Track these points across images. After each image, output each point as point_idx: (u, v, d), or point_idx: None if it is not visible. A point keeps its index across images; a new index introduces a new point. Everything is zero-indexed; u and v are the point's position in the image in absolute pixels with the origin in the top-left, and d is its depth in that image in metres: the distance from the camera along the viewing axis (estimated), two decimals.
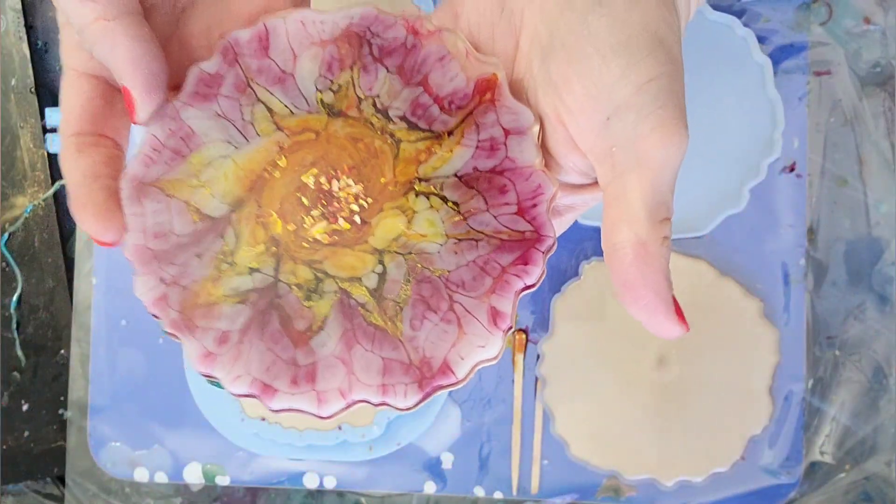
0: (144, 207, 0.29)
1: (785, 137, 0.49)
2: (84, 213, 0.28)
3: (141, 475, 0.52)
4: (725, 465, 0.49)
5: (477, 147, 0.29)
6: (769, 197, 0.50)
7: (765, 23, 0.50)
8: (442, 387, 0.27)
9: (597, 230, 0.50)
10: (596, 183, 0.29)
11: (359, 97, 0.29)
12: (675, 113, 0.26)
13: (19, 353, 0.53)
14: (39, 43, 0.54)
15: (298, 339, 0.28)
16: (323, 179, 0.29)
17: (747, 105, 0.49)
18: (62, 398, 0.54)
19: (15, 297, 0.53)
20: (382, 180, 0.29)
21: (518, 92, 0.29)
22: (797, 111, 0.50)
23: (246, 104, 0.29)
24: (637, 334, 0.49)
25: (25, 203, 0.53)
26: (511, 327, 0.28)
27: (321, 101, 0.29)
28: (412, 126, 0.29)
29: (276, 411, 0.28)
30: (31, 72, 0.53)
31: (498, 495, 0.51)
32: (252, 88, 0.29)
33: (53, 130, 0.53)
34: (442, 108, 0.29)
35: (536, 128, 0.28)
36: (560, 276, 0.50)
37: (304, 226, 0.28)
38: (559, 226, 0.32)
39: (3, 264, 0.53)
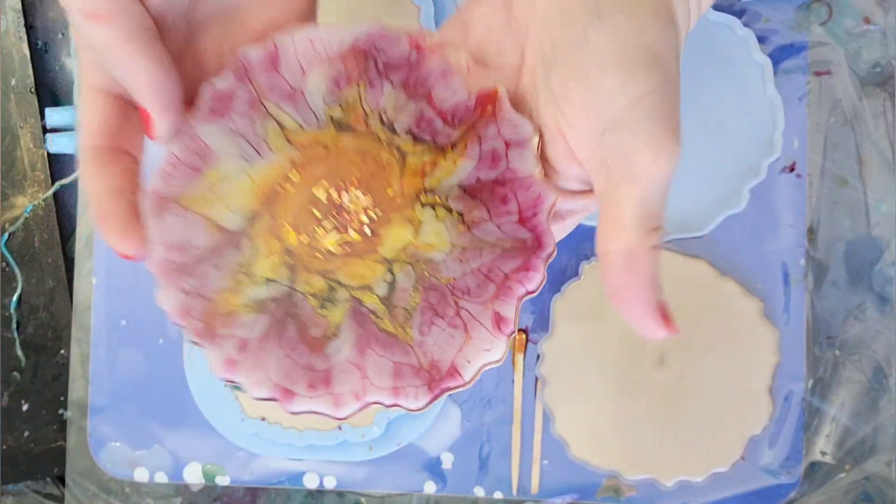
0: (165, 221, 0.30)
1: (785, 137, 0.49)
2: (107, 227, 0.30)
3: (141, 475, 0.52)
4: (725, 465, 0.49)
5: (479, 158, 0.30)
6: (769, 197, 0.50)
7: (765, 23, 0.50)
8: (450, 388, 0.29)
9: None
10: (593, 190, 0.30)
11: (366, 112, 0.30)
12: (668, 127, 0.27)
13: (19, 353, 0.53)
14: (39, 43, 0.54)
15: (314, 346, 0.29)
16: (333, 192, 0.30)
17: (747, 105, 0.49)
18: (62, 398, 0.54)
19: (15, 297, 0.53)
20: (390, 192, 0.30)
21: (523, 102, 0.30)
22: (797, 111, 0.50)
23: (258, 120, 0.30)
24: (637, 334, 0.49)
25: (25, 203, 0.53)
26: (514, 331, 0.29)
27: (330, 116, 0.30)
28: (417, 139, 0.30)
29: (295, 413, 0.29)
30: (30, 72, 0.53)
31: (498, 495, 0.51)
32: (263, 105, 0.30)
33: (53, 130, 0.53)
34: (445, 122, 0.30)
35: (536, 139, 0.29)
36: (560, 276, 0.50)
37: (317, 237, 0.30)
38: (562, 230, 0.33)
39: (3, 264, 0.53)
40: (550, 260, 0.29)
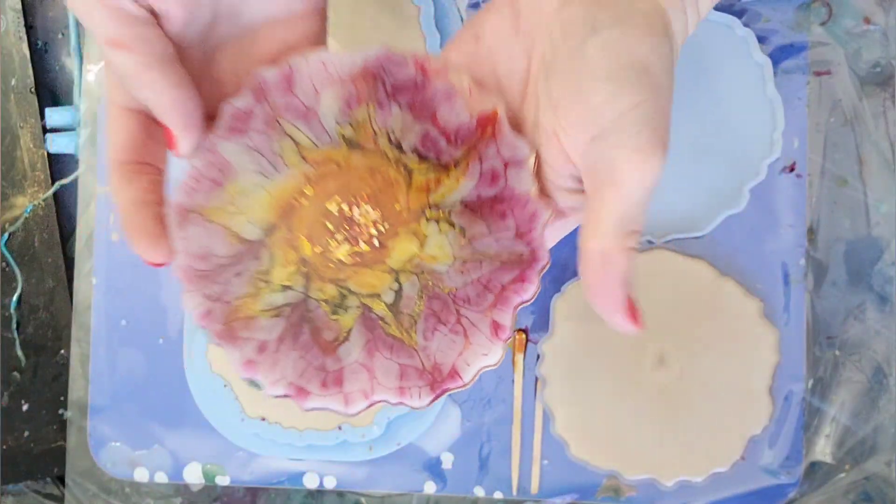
0: (189, 232, 0.32)
1: (785, 137, 0.49)
2: (136, 238, 0.32)
3: (141, 475, 0.52)
4: (725, 465, 0.49)
5: (480, 177, 0.32)
6: (769, 197, 0.50)
7: (765, 23, 0.50)
8: (450, 389, 0.31)
9: None
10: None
11: (375, 131, 0.32)
12: (653, 139, 0.29)
13: (19, 353, 0.54)
14: (39, 43, 0.54)
15: (327, 348, 0.31)
16: (345, 206, 0.32)
17: (747, 105, 0.49)
18: (62, 398, 0.54)
19: (15, 297, 0.53)
20: (397, 207, 0.32)
21: (528, 109, 0.32)
22: (797, 111, 0.50)
23: (275, 138, 0.32)
24: (637, 335, 0.49)
25: (25, 203, 0.53)
26: (510, 337, 0.31)
27: (342, 134, 0.32)
28: (423, 157, 0.32)
29: (309, 410, 0.31)
30: (31, 72, 0.53)
31: (498, 495, 0.51)
32: (279, 123, 0.32)
33: (53, 130, 0.53)
34: (449, 141, 0.32)
35: (532, 159, 0.31)
36: (560, 276, 0.50)
37: (330, 248, 0.32)
38: (565, 226, 0.34)
39: (3, 264, 0.53)
40: (544, 272, 0.31)
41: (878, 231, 0.51)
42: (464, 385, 0.31)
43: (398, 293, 0.31)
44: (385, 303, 0.32)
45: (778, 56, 0.50)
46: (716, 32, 0.49)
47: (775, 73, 0.49)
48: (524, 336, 0.51)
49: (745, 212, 0.49)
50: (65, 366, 0.53)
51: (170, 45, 0.31)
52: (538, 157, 0.32)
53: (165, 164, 0.34)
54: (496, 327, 0.31)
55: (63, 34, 0.54)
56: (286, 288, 0.32)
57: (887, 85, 0.51)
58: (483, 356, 0.31)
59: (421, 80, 0.32)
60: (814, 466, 0.51)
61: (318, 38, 0.35)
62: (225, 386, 0.51)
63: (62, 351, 0.54)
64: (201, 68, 0.33)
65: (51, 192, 0.53)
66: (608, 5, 0.30)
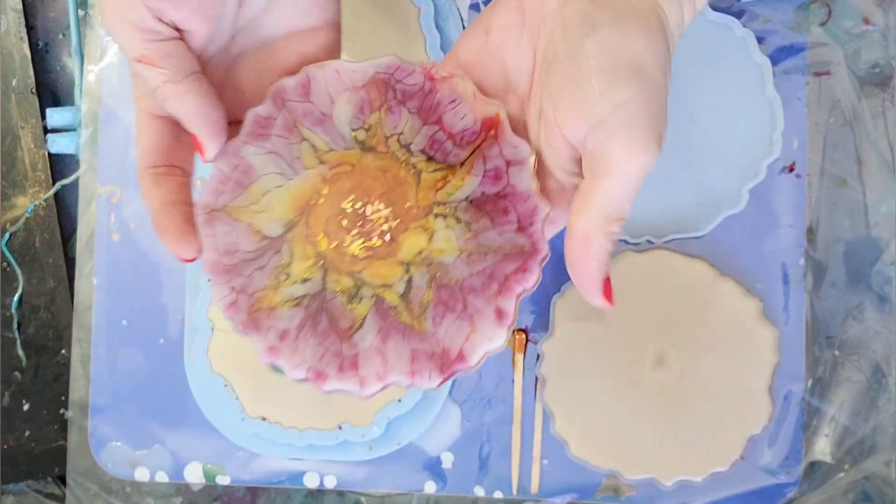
0: (216, 229, 0.35)
1: (784, 138, 0.49)
2: (167, 236, 0.34)
3: (142, 475, 0.52)
4: (725, 465, 0.49)
5: (484, 176, 0.34)
6: (769, 197, 0.50)
7: (764, 23, 0.50)
8: (458, 371, 0.33)
9: None
10: None
11: (386, 135, 0.35)
12: (645, 133, 0.30)
13: (20, 353, 0.54)
14: (40, 43, 0.54)
15: (343, 335, 0.34)
16: (359, 204, 0.34)
17: (746, 105, 0.49)
18: (63, 398, 0.54)
19: (16, 298, 0.53)
20: (407, 204, 0.34)
21: (534, 101, 0.34)
22: (796, 112, 0.50)
23: (294, 142, 0.35)
24: (637, 334, 0.49)
25: (26, 203, 0.53)
26: (513, 323, 0.33)
27: (355, 138, 0.35)
28: (430, 159, 0.35)
29: (328, 393, 0.34)
30: (31, 72, 0.53)
31: (498, 495, 0.51)
32: (298, 129, 0.35)
33: (54, 131, 0.53)
34: (454, 143, 0.35)
35: (532, 158, 0.34)
36: (560, 277, 0.51)
37: (345, 243, 0.34)
38: (559, 225, 0.36)
39: (4, 264, 0.53)
40: (545, 262, 0.34)
41: (878, 231, 0.51)
42: (470, 367, 0.33)
43: (409, 284, 0.34)
44: (397, 293, 0.34)
45: (777, 56, 0.50)
46: (715, 33, 0.49)
47: (774, 74, 0.49)
48: (524, 336, 0.51)
49: (744, 212, 0.49)
50: (66, 366, 0.53)
51: (194, 59, 0.34)
52: (539, 153, 0.34)
53: (192, 167, 0.36)
54: (500, 314, 0.33)
55: (64, 34, 0.54)
56: (305, 280, 0.34)
57: (886, 85, 0.51)
58: (488, 340, 0.33)
59: (428, 87, 0.35)
60: (813, 466, 0.51)
61: (334, 49, 0.37)
62: (225, 386, 0.51)
63: (63, 351, 0.54)
64: (223, 79, 0.36)
65: (52, 192, 0.53)
66: (606, 3, 0.31)
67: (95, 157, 0.52)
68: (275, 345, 0.34)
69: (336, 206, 0.34)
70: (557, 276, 0.51)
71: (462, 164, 0.35)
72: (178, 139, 0.35)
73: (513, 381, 0.51)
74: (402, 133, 0.35)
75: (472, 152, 0.35)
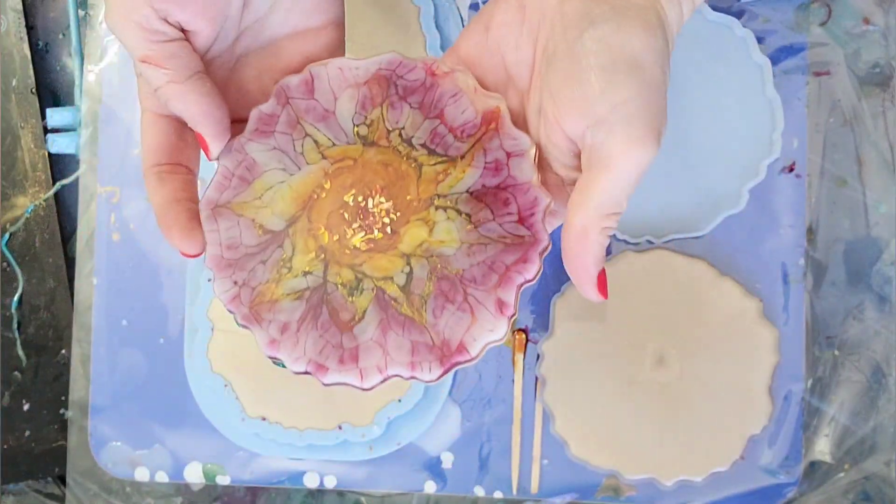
0: (219, 225, 0.35)
1: (784, 138, 0.49)
2: (171, 233, 0.35)
3: (142, 475, 0.52)
4: (725, 465, 0.49)
5: (484, 168, 0.35)
6: (768, 197, 0.50)
7: (764, 23, 0.50)
8: (459, 363, 0.33)
9: None
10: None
11: (387, 129, 0.35)
12: (644, 129, 0.31)
13: (20, 353, 0.54)
14: (40, 43, 0.54)
15: (344, 328, 0.34)
16: (360, 198, 0.35)
17: (746, 105, 0.49)
18: (63, 398, 0.54)
19: (16, 298, 0.53)
20: (408, 197, 0.35)
21: (534, 96, 0.34)
22: (796, 111, 0.50)
23: (297, 138, 0.36)
24: (637, 334, 0.49)
25: (26, 203, 0.53)
26: (514, 314, 0.33)
27: (357, 133, 0.35)
28: (431, 152, 0.35)
29: (328, 385, 0.34)
30: (31, 72, 0.53)
31: (498, 495, 0.51)
32: (301, 125, 0.36)
33: (54, 131, 0.53)
34: (455, 137, 0.35)
35: (533, 150, 0.34)
36: (560, 277, 0.51)
37: (346, 236, 0.34)
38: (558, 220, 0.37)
39: (4, 264, 0.53)
40: (546, 253, 0.34)
41: (877, 231, 0.51)
42: (471, 359, 0.33)
43: (409, 275, 0.34)
44: (397, 285, 0.34)
45: (777, 56, 0.50)
46: (715, 33, 0.49)
47: (774, 74, 0.49)
48: (524, 336, 0.51)
49: (744, 212, 0.49)
50: (66, 366, 0.53)
51: (198, 59, 0.34)
52: (539, 147, 0.34)
53: (197, 166, 0.36)
54: (501, 305, 0.33)
55: (64, 34, 0.54)
56: (307, 273, 0.34)
57: (886, 85, 0.51)
58: (489, 332, 0.33)
59: (430, 83, 0.35)
60: (813, 466, 0.51)
61: (337, 49, 0.37)
62: (225, 386, 0.51)
63: (63, 351, 0.54)
64: (227, 78, 0.37)
65: (52, 192, 0.53)
66: (606, 0, 0.31)
67: (95, 157, 0.52)
68: (276, 338, 0.34)
69: (338, 200, 0.35)
70: (558, 275, 0.51)
71: (463, 156, 0.35)
72: (183, 138, 0.35)
73: (513, 381, 0.51)
74: (403, 127, 0.35)
75: (473, 145, 0.35)
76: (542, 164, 0.35)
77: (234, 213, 0.35)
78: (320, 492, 0.53)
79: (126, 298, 0.52)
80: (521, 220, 0.34)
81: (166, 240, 0.35)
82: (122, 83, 0.52)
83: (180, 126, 0.35)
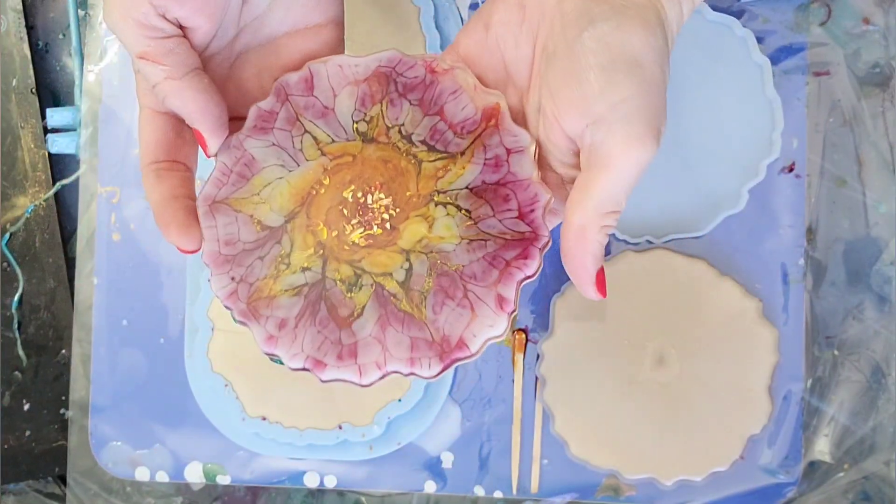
0: (217, 221, 0.35)
1: (784, 138, 0.49)
2: (169, 229, 0.34)
3: (142, 474, 0.53)
4: (725, 465, 0.49)
5: (484, 164, 0.35)
6: (768, 197, 0.50)
7: (764, 23, 0.50)
8: (459, 359, 0.33)
9: None
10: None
11: (387, 126, 0.35)
12: (643, 128, 0.31)
13: (21, 352, 0.54)
14: (40, 43, 0.54)
15: (343, 324, 0.34)
16: (359, 194, 0.35)
17: (746, 106, 0.49)
18: (63, 398, 0.54)
19: (16, 297, 0.53)
20: (408, 193, 0.35)
21: (533, 94, 0.35)
22: (796, 112, 0.50)
23: (296, 135, 0.36)
24: (637, 334, 0.49)
25: (26, 203, 0.53)
26: (514, 310, 0.33)
27: (357, 130, 0.35)
28: (431, 148, 0.35)
29: (326, 381, 0.34)
30: (31, 72, 0.53)
31: (498, 494, 0.51)
32: (300, 122, 0.36)
33: (54, 131, 0.53)
34: (455, 133, 0.35)
35: (533, 147, 0.34)
36: (560, 276, 0.51)
37: (345, 232, 0.34)
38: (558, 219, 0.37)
39: (5, 264, 0.53)
40: (546, 249, 0.34)
41: (877, 231, 0.51)
42: (471, 355, 0.33)
43: (409, 271, 0.34)
44: (397, 281, 0.34)
45: (777, 56, 0.50)
46: (715, 33, 0.49)
47: (774, 74, 0.49)
48: (524, 336, 0.51)
49: (744, 212, 0.50)
50: (66, 365, 0.53)
51: (196, 56, 0.34)
52: (539, 145, 0.34)
53: (195, 163, 0.36)
54: (501, 300, 0.33)
55: (64, 34, 0.54)
56: (305, 269, 0.34)
57: (886, 85, 0.51)
58: (489, 327, 0.33)
59: (430, 80, 0.36)
60: (813, 466, 0.51)
61: (337, 47, 0.37)
62: (226, 385, 0.51)
63: (63, 351, 0.54)
64: (227, 75, 0.37)
65: (52, 192, 0.53)
66: None
67: (95, 157, 0.52)
68: (273, 334, 0.34)
69: (337, 196, 0.35)
70: (558, 275, 0.51)
71: (462, 153, 0.35)
72: (181, 135, 0.35)
73: (513, 380, 0.51)
74: (403, 124, 0.35)
75: (473, 142, 0.35)
76: (541, 162, 0.35)
77: (233, 209, 0.35)
78: (320, 491, 0.53)
79: (126, 298, 0.52)
80: (521, 217, 0.34)
81: (164, 236, 0.35)
82: (122, 83, 0.52)
83: (178, 123, 0.35)
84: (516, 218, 0.34)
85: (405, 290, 0.34)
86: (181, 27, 0.34)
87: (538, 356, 0.51)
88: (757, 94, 0.49)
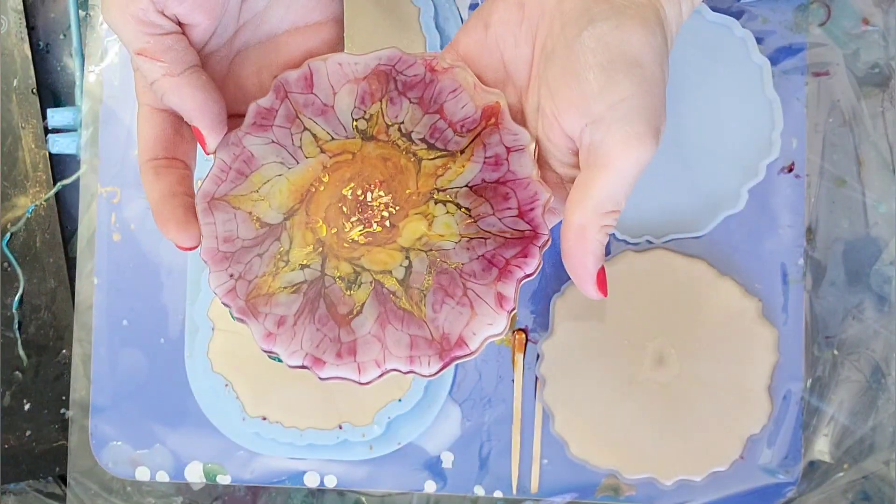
0: (215, 218, 0.35)
1: (783, 138, 0.50)
2: (167, 226, 0.34)
3: (142, 474, 0.53)
4: (724, 465, 0.49)
5: (484, 162, 0.35)
6: (768, 197, 0.50)
7: (763, 24, 0.50)
8: (458, 358, 0.33)
9: None
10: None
11: (387, 124, 0.35)
12: (643, 128, 0.31)
13: (21, 352, 0.54)
14: (41, 44, 0.54)
15: (342, 321, 0.34)
16: (359, 192, 0.35)
17: (746, 106, 0.49)
18: (64, 398, 0.54)
19: (17, 297, 0.53)
20: (408, 191, 0.35)
21: (532, 93, 0.35)
22: (796, 112, 0.50)
23: (295, 132, 0.36)
24: (637, 334, 0.50)
25: (27, 203, 0.53)
26: (514, 308, 0.33)
27: (356, 127, 0.35)
28: (431, 146, 0.35)
29: (325, 379, 0.33)
30: (32, 72, 0.53)
31: (498, 494, 0.51)
32: (300, 119, 0.36)
33: (55, 131, 0.53)
34: (455, 132, 0.35)
35: (533, 145, 0.34)
36: (560, 276, 0.51)
37: (345, 230, 0.34)
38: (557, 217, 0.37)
39: (5, 264, 0.54)
40: (545, 248, 0.34)
41: (877, 231, 0.51)
42: (471, 353, 0.33)
43: (408, 269, 0.34)
44: (396, 278, 0.34)
45: (776, 57, 0.50)
46: (714, 33, 0.49)
47: (774, 74, 0.50)
48: (524, 336, 0.51)
49: (744, 212, 0.50)
50: (66, 365, 0.53)
51: (194, 53, 0.34)
52: (538, 144, 0.34)
53: (193, 160, 0.36)
54: (500, 299, 0.33)
55: (64, 35, 0.54)
56: (304, 267, 0.34)
57: (885, 86, 0.51)
58: (489, 326, 0.33)
59: (429, 78, 0.36)
60: (812, 465, 0.51)
61: (336, 45, 0.37)
62: (226, 385, 0.51)
63: (64, 351, 0.54)
64: (226, 73, 0.37)
65: (52, 192, 0.53)
66: None
67: (96, 157, 0.52)
68: (272, 331, 0.34)
69: (336, 193, 0.35)
70: (558, 275, 0.51)
71: (462, 151, 0.35)
72: (179, 132, 0.35)
73: (513, 380, 0.51)
74: (402, 122, 0.35)
75: (473, 140, 0.35)
76: (540, 161, 0.35)
77: (232, 206, 0.35)
78: (321, 491, 0.53)
79: (127, 298, 0.52)
80: (520, 215, 0.34)
81: (162, 233, 0.35)
82: (122, 84, 0.52)
83: (177, 120, 0.35)
84: (516, 216, 0.34)
85: (405, 287, 0.34)
86: (180, 24, 0.34)
87: (538, 356, 0.51)
88: (756, 95, 0.49)
